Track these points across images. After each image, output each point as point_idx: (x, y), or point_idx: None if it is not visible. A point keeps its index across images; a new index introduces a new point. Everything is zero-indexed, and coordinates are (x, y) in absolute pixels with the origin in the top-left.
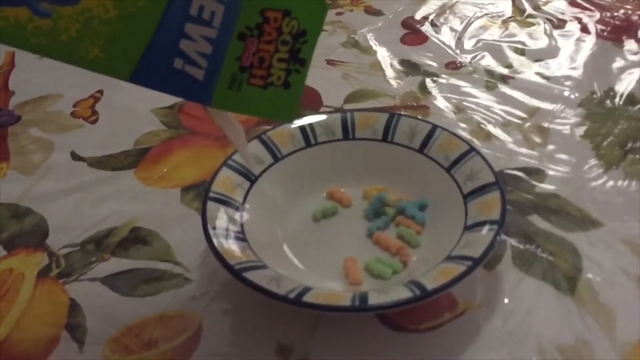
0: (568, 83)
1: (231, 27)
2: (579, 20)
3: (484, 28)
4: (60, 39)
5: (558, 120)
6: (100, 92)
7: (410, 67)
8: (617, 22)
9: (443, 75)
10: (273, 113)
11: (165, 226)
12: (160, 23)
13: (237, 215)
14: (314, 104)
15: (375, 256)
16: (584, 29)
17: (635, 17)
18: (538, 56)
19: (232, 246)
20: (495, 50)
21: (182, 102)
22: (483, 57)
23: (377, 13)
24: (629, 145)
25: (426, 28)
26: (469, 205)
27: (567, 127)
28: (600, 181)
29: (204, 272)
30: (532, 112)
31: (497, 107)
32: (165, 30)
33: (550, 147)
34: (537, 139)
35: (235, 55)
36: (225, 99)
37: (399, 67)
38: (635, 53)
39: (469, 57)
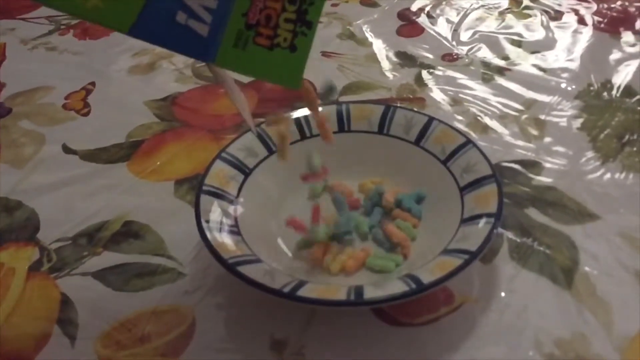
0: (565, 75)
1: None
2: (576, 12)
3: (480, 20)
4: None
5: (555, 113)
6: (93, 84)
7: (406, 59)
8: (614, 14)
9: (439, 67)
10: (278, 77)
11: (158, 220)
12: None
13: (231, 209)
14: None
15: (374, 253)
16: (581, 21)
17: (632, 9)
18: (535, 48)
19: (225, 240)
20: (491, 42)
21: (176, 94)
22: (479, 48)
23: (373, 4)
24: (626, 137)
25: (422, 20)
26: (465, 198)
27: (564, 119)
28: (597, 174)
29: (197, 266)
30: (529, 104)
31: (493, 99)
32: None
33: (547, 139)
34: (534, 132)
35: (241, 11)
36: (229, 58)
37: (394, 59)
38: (632, 45)
39: (465, 48)
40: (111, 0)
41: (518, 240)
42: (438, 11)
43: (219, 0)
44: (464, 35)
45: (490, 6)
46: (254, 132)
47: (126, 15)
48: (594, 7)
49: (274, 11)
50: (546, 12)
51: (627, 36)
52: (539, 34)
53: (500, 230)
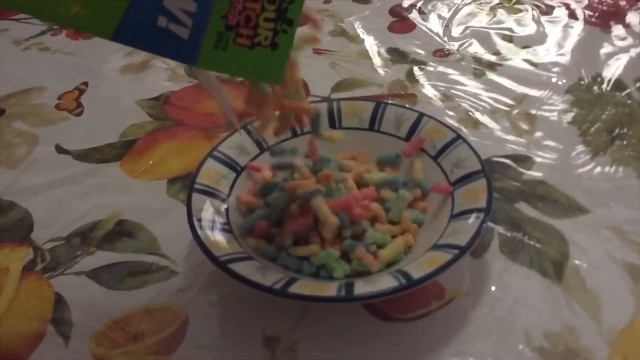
0: (556, 69)
1: None
2: (567, 6)
3: (471, 15)
4: None
5: (546, 107)
6: (85, 84)
7: (397, 55)
8: (604, 8)
9: (431, 63)
10: (260, 74)
11: (151, 219)
12: None
13: (223, 207)
14: None
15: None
16: (572, 15)
17: (622, 2)
18: (526, 43)
19: (217, 238)
20: (483, 37)
21: (168, 93)
22: (471, 44)
23: (365, 1)
24: (617, 131)
25: (414, 16)
26: (455, 194)
27: (555, 113)
28: (587, 167)
29: (190, 264)
30: (520, 99)
31: (484, 95)
32: None
33: (538, 134)
34: (525, 126)
35: (220, 13)
36: (211, 59)
37: (386, 55)
38: (623, 38)
39: (456, 44)
40: (93, 8)
41: (508, 234)
42: (429, 7)
43: (198, 3)
44: (455, 31)
45: (482, 1)
46: (240, 132)
47: (109, 22)
48: (585, 1)
49: (253, 12)
50: (537, 6)
51: (618, 30)
52: (530, 29)
53: (490, 224)
